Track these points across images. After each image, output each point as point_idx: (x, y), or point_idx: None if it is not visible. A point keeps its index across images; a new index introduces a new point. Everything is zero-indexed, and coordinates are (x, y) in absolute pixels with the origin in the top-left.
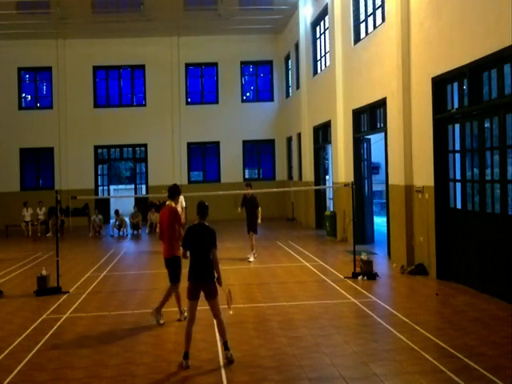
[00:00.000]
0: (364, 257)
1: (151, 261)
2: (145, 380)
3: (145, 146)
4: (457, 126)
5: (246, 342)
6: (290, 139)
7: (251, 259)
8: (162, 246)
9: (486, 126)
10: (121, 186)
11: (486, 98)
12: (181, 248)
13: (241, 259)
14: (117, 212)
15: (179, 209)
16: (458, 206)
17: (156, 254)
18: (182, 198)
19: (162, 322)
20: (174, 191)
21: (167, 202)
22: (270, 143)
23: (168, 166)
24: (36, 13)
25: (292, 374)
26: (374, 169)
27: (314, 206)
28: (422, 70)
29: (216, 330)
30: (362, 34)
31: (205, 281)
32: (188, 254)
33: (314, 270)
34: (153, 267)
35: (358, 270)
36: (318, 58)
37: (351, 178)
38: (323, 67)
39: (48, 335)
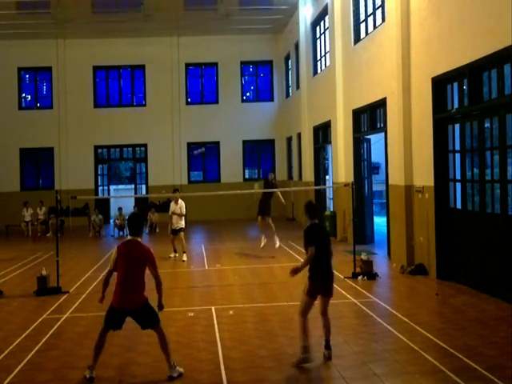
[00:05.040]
0: (364, 257)
1: None
2: (145, 380)
3: (145, 146)
4: (457, 126)
5: (246, 341)
6: (289, 139)
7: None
8: (118, 293)
9: (486, 125)
10: (121, 186)
11: (486, 98)
12: (311, 248)
13: (240, 259)
14: (120, 209)
15: (178, 212)
16: (458, 205)
17: (156, 253)
18: (182, 203)
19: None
20: (138, 225)
21: (130, 237)
22: (270, 143)
23: (168, 166)
24: (36, 13)
25: (292, 374)
26: (374, 169)
27: None
28: (421, 69)
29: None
30: (362, 34)
31: (331, 280)
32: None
33: None
34: None
35: (357, 270)
36: (318, 58)
37: (351, 178)
38: (323, 67)
39: (48, 335)
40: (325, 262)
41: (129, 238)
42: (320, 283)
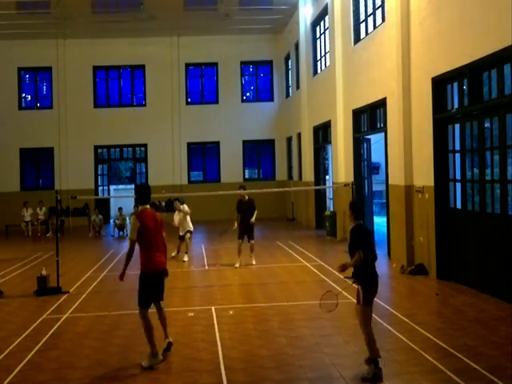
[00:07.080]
0: None
1: None
2: (145, 380)
3: (145, 146)
4: (457, 126)
5: (246, 341)
6: (289, 139)
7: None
8: (150, 258)
9: (486, 125)
10: (121, 186)
11: (486, 98)
12: (361, 252)
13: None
14: (120, 210)
15: (179, 215)
16: (458, 205)
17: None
18: (183, 206)
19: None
20: (147, 194)
21: (140, 207)
22: (270, 143)
23: (168, 166)
24: (36, 13)
25: (292, 374)
26: (374, 169)
27: (313, 206)
28: (421, 69)
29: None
30: (362, 34)
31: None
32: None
33: (314, 270)
34: None
35: None
36: (318, 58)
37: (351, 178)
38: (323, 67)
39: (48, 335)
40: (373, 264)
41: (140, 208)
42: (375, 286)
